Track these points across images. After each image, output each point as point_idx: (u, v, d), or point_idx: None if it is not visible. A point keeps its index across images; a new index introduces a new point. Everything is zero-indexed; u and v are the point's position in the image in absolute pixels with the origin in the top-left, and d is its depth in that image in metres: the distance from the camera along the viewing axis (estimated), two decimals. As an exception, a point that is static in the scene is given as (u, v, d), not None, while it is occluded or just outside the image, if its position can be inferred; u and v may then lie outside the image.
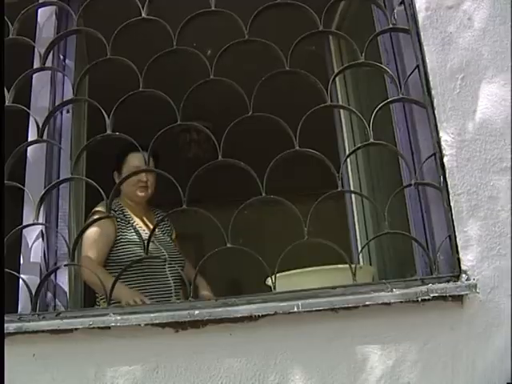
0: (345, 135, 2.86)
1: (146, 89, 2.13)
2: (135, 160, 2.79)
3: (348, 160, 2.74)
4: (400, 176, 2.21)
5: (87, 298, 2.56)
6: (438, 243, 1.96)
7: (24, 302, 2.06)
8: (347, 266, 1.97)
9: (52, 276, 2.13)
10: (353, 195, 2.80)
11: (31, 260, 2.12)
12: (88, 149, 2.22)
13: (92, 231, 2.56)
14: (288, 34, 2.24)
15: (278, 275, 2.01)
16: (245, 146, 3.43)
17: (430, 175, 2.03)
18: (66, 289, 2.16)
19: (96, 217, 2.50)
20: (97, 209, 2.63)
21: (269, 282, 2.20)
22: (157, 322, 1.87)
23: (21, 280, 2.07)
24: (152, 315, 1.88)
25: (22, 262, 2.12)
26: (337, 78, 2.73)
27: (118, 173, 2.84)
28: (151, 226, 2.84)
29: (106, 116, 2.11)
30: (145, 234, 2.74)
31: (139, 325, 1.87)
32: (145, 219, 2.89)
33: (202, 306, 1.90)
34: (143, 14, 2.22)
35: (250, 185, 2.08)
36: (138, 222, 2.83)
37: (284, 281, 2.04)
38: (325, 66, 2.99)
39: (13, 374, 1.91)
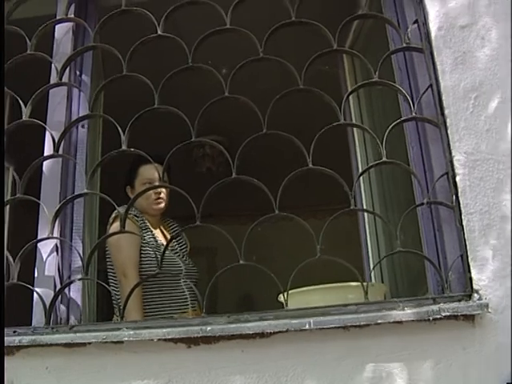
0: (358, 153, 2.86)
1: (162, 106, 2.16)
2: (147, 172, 2.83)
3: (361, 177, 2.75)
4: (412, 194, 2.22)
5: (99, 312, 2.58)
6: (450, 262, 1.96)
7: (38, 315, 2.09)
8: (359, 283, 1.99)
9: (66, 290, 2.16)
10: (365, 214, 2.81)
11: (46, 273, 2.14)
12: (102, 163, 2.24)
13: (127, 243, 2.57)
14: (302, 53, 2.26)
15: (290, 292, 2.03)
16: (258, 162, 3.44)
17: (442, 194, 2.03)
18: (80, 303, 2.18)
19: (116, 224, 2.56)
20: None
21: (281, 298, 2.21)
22: (170, 337, 1.88)
23: (35, 293, 2.09)
24: (165, 330, 1.89)
25: (36, 275, 2.15)
26: (350, 96, 2.76)
27: (131, 187, 2.87)
28: (169, 237, 2.87)
29: (121, 132, 2.13)
30: (157, 243, 2.78)
31: (152, 340, 1.88)
32: (163, 230, 2.92)
33: (214, 322, 1.91)
34: (159, 31, 2.24)
35: (263, 199, 2.09)
36: (156, 233, 2.85)
37: (296, 298, 2.05)
38: (338, 84, 3.01)
39: (26, 387, 1.95)
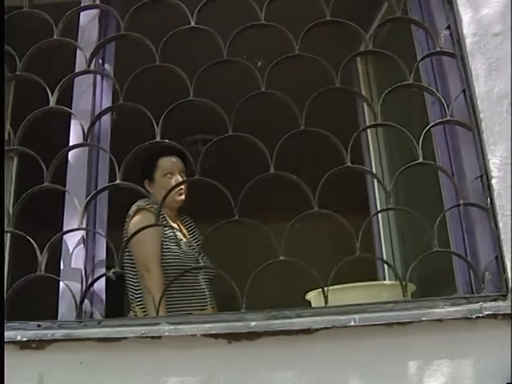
0: (372, 154, 2.89)
1: (196, 98, 2.13)
2: (167, 163, 2.84)
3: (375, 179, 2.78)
4: (427, 195, 2.26)
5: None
6: (483, 262, 2.01)
7: (64, 309, 2.02)
8: (393, 282, 2.01)
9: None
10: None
11: (72, 266, 2.07)
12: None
13: (150, 237, 2.48)
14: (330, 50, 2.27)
15: (318, 291, 2.04)
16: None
17: (474, 196, 2.08)
18: (103, 297, 2.12)
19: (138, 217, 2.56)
20: (141, 206, 2.62)
21: (308, 296, 2.21)
22: (213, 332, 1.85)
23: (61, 286, 2.03)
24: (207, 325, 1.85)
25: (62, 267, 2.08)
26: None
27: (149, 180, 2.82)
28: (185, 232, 2.83)
29: (154, 123, 2.09)
30: (177, 239, 2.76)
31: (194, 335, 1.85)
32: (180, 225, 2.88)
33: (252, 318, 1.89)
34: (192, 23, 2.21)
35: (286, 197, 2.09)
36: (175, 227, 2.80)
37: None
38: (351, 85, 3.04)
39: (58, 382, 1.88)
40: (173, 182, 2.79)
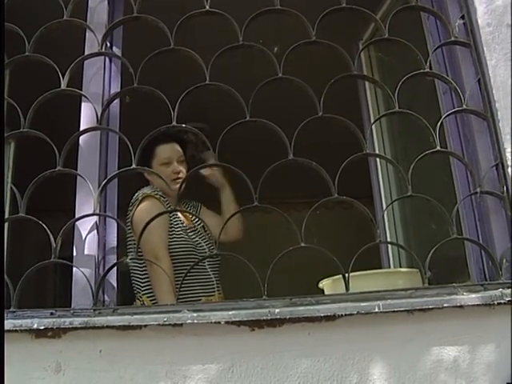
0: (376, 145, 2.88)
1: (213, 82, 2.09)
2: (165, 151, 2.78)
3: (379, 166, 2.79)
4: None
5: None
6: (499, 250, 2.03)
7: (78, 297, 1.96)
8: (409, 269, 2.02)
9: (101, 271, 2.04)
10: (383, 201, 2.84)
11: (86, 253, 2.01)
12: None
13: (157, 224, 2.35)
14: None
15: (335, 278, 2.03)
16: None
17: (488, 185, 2.10)
18: (115, 284, 2.07)
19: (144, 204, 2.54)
20: (147, 193, 2.60)
21: (321, 284, 2.21)
22: (237, 319, 1.82)
23: (74, 273, 1.97)
24: (231, 313, 1.83)
25: (75, 254, 2.02)
26: (368, 88, 2.81)
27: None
28: (189, 216, 2.81)
29: (170, 108, 2.05)
30: (183, 225, 2.73)
31: (219, 322, 1.82)
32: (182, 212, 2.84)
33: (276, 304, 1.87)
34: (207, 7, 2.18)
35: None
36: (179, 214, 2.76)
37: (339, 283, 2.04)
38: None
39: (76, 371, 1.83)
40: (169, 171, 2.75)
